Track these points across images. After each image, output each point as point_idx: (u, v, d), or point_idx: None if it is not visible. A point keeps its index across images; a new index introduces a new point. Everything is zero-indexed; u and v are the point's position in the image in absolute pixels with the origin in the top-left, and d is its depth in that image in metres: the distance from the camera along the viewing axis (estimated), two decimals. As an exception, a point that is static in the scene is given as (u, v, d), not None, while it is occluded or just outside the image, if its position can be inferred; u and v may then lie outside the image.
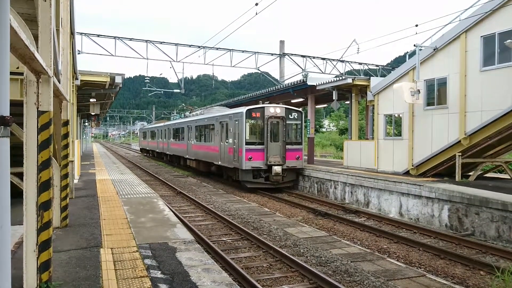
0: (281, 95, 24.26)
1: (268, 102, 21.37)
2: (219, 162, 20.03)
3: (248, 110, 17.60)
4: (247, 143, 17.26)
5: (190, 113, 32.10)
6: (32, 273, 3.91)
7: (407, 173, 15.24)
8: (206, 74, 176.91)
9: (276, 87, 25.15)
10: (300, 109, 19.28)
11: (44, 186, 4.07)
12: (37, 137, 3.97)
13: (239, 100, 30.19)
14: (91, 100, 21.69)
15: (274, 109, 17.86)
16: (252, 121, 17.72)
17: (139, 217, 8.64)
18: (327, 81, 19.68)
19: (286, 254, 7.95)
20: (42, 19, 4.20)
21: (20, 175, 5.05)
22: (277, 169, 17.23)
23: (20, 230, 5.78)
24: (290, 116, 18.19)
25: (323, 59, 28.00)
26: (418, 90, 14.09)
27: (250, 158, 17.09)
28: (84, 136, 55.02)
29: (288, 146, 17.86)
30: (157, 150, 39.56)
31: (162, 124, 38.15)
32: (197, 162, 24.68)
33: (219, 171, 21.32)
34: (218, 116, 20.89)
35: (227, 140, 19.15)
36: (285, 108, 18.29)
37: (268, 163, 17.33)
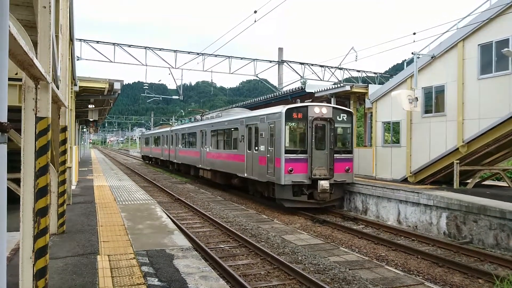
0: (279, 102, 24.34)
1: (310, 100, 17.76)
2: (245, 174, 16.64)
3: (288, 109, 14.12)
4: (286, 152, 13.87)
5: (201, 116, 28.03)
6: (28, 280, 3.87)
7: (405, 180, 15.24)
8: (205, 81, 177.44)
9: (275, 93, 25.25)
10: (350, 109, 16.17)
11: (41, 192, 4.05)
12: (35, 143, 3.96)
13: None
14: (89, 106, 21.70)
15: (320, 109, 14.44)
16: (293, 123, 14.32)
17: (136, 224, 8.61)
18: (326, 88, 19.78)
19: (284, 261, 7.91)
20: (41, 26, 4.21)
21: (17, 181, 5.03)
22: (324, 184, 13.84)
23: (16, 236, 5.74)
24: (338, 118, 14.76)
25: (322, 66, 28.15)
26: (416, 98, 14.16)
27: (291, 171, 13.74)
28: (82, 142, 54.93)
29: (336, 155, 14.47)
30: (161, 158, 35.76)
31: (167, 129, 33.97)
32: (213, 173, 21.07)
33: (243, 184, 17.84)
34: (244, 118, 17.30)
35: (256, 148, 15.78)
36: (333, 108, 15.00)
37: (312, 176, 14.02)
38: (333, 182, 14.28)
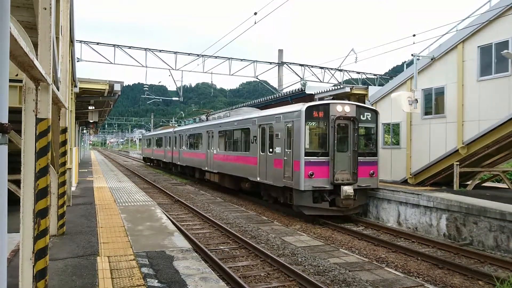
0: (279, 103, 24.33)
1: (331, 98, 16.54)
2: (258, 179, 15.43)
3: (308, 107, 12.84)
4: (306, 154, 12.64)
5: (207, 116, 26.93)
6: (28, 281, 3.87)
7: (405, 182, 15.24)
8: (204, 82, 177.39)
9: (275, 95, 25.27)
10: (374, 108, 15.00)
11: (41, 193, 4.05)
12: (35, 144, 3.96)
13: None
14: (89, 107, 21.73)
15: (342, 107, 13.15)
16: (313, 122, 13.04)
17: (136, 225, 8.61)
18: (325, 90, 19.78)
19: (284, 263, 7.91)
20: (42, 27, 4.22)
21: (17, 182, 5.03)
22: (347, 190, 12.60)
23: (16, 237, 5.74)
24: (362, 117, 13.51)
25: (322, 68, 28.21)
26: (416, 99, 14.17)
27: (311, 175, 12.54)
28: (82, 144, 54.92)
29: (360, 158, 13.22)
30: (164, 160, 34.48)
31: (171, 130, 32.65)
32: (221, 177, 19.93)
33: (255, 189, 16.81)
34: (257, 117, 16.04)
35: (271, 149, 14.59)
36: (356, 106, 13.61)
37: (334, 181, 12.82)
38: (356, 188, 13.04)
